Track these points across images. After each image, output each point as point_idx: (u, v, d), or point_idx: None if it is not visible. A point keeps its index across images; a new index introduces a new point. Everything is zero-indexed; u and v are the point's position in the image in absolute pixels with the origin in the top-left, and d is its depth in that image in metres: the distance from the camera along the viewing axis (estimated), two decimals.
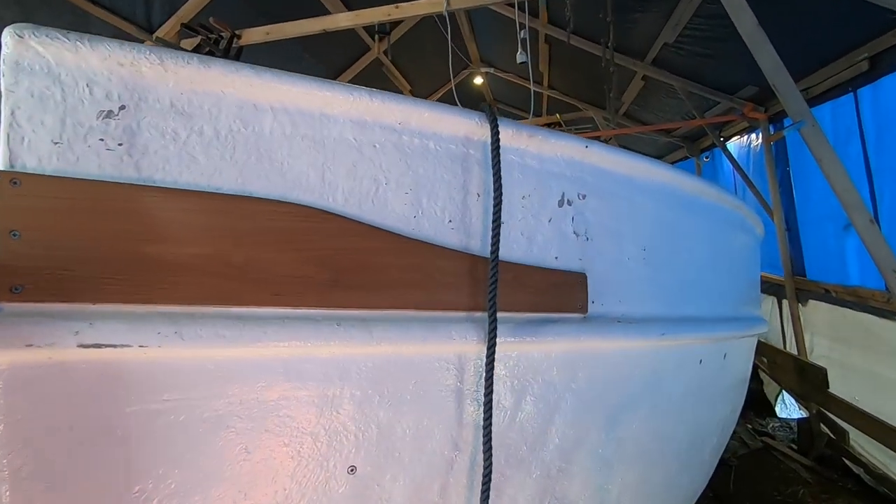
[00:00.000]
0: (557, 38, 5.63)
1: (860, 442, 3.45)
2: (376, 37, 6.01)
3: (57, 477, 0.75)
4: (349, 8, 4.53)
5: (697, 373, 1.53)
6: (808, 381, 3.46)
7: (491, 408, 1.00)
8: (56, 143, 0.76)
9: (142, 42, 0.83)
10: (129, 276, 0.78)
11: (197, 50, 3.82)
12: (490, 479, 1.00)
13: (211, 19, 3.73)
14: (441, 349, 1.01)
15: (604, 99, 5.02)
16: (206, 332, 0.80)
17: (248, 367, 0.85)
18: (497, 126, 1.05)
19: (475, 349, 1.03)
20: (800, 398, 3.88)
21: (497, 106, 9.91)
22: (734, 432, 3.12)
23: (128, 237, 0.78)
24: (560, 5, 4.62)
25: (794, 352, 4.18)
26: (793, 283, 4.54)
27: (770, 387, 4.74)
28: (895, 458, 3.10)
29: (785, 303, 4.76)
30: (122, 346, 0.75)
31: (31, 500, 0.74)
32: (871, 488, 3.09)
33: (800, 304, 4.50)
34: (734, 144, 5.97)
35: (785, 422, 4.43)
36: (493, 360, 1.00)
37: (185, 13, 4.00)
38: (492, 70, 8.07)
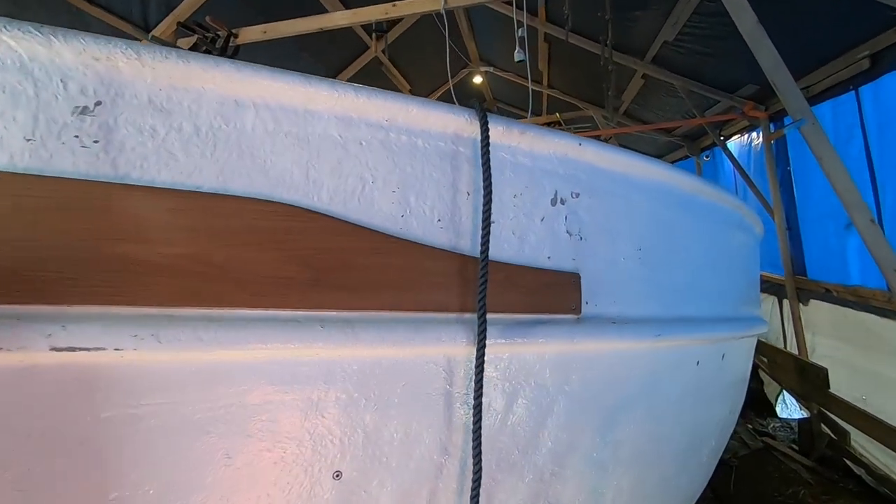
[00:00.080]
0: (557, 37, 5.59)
1: (861, 442, 3.42)
2: (374, 35, 5.98)
3: (30, 485, 0.73)
4: (347, 6, 4.51)
5: (695, 374, 1.51)
6: (809, 380, 3.44)
7: (481, 411, 0.98)
8: (28, 139, 0.74)
9: (139, 41, 0.80)
10: (105, 277, 0.76)
11: (193, 49, 3.80)
12: (480, 484, 0.98)
13: (207, 18, 3.71)
14: (429, 351, 0.98)
15: (604, 98, 5.00)
16: (184, 335, 0.78)
17: (228, 371, 0.83)
18: (487, 123, 1.02)
19: (465, 351, 1.00)
20: (800, 398, 3.86)
21: (497, 105, 9.89)
22: (734, 432, 3.10)
23: (103, 237, 0.76)
24: (559, 3, 4.59)
25: (795, 351, 4.16)
26: (793, 283, 4.51)
27: (771, 387, 4.71)
28: None
29: (786, 302, 4.74)
30: (97, 349, 0.73)
31: None
32: (873, 489, 3.07)
33: (800, 304, 4.47)
34: (734, 143, 5.94)
35: (786, 422, 4.41)
36: (483, 362, 0.97)
37: (182, 12, 3.97)
38: (491, 69, 8.03)
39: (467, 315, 1.01)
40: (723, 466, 3.19)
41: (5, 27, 0.73)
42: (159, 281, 0.78)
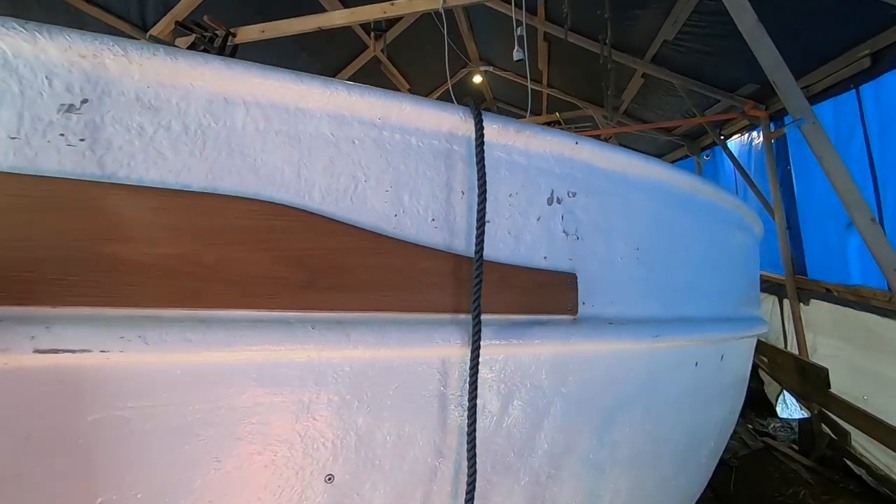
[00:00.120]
0: (556, 36, 5.57)
1: (862, 443, 3.41)
2: (373, 35, 5.97)
3: (14, 489, 0.72)
4: (345, 5, 4.50)
5: (694, 375, 1.49)
6: (810, 380, 3.42)
7: (475, 413, 0.97)
8: (13, 138, 0.73)
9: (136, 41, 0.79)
10: (91, 277, 0.74)
11: (191, 48, 3.79)
12: (474, 487, 0.97)
13: (205, 17, 3.70)
14: (423, 352, 0.97)
15: (603, 97, 4.98)
16: (172, 336, 0.76)
17: (217, 373, 0.81)
18: (482, 121, 1.01)
19: (459, 352, 0.99)
20: (801, 398, 3.85)
21: (497, 104, 9.87)
22: (734, 433, 3.08)
23: (89, 237, 0.75)
24: (558, 2, 4.57)
25: (796, 351, 4.14)
26: (794, 283, 4.50)
27: (771, 387, 4.70)
28: None
29: (786, 302, 4.72)
30: (82, 351, 0.72)
31: None
32: (873, 489, 3.05)
33: (801, 304, 4.46)
34: (735, 143, 5.93)
35: (786, 422, 4.39)
36: (478, 363, 0.96)
37: (180, 11, 3.97)
38: (491, 68, 8.02)
39: (462, 316, 1.00)
40: (723, 466, 3.18)
41: None
42: (146, 282, 0.77)
